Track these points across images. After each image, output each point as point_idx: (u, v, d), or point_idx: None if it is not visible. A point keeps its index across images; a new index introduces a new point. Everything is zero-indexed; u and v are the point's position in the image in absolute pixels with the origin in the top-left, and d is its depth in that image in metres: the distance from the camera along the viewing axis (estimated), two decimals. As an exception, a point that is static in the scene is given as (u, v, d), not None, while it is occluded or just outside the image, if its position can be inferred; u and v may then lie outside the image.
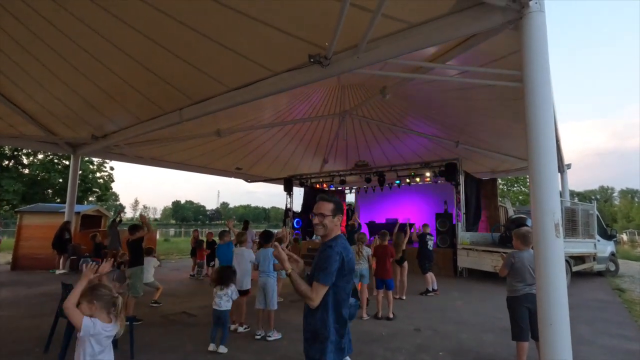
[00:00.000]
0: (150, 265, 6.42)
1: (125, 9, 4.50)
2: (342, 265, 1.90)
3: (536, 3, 3.23)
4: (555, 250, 2.87)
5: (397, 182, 13.05)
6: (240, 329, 5.04)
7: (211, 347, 4.23)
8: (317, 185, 14.85)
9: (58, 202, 19.71)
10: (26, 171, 22.22)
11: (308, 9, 4.08)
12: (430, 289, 7.52)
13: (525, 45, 3.26)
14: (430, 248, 7.88)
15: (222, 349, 4.19)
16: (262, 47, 4.90)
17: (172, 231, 44.18)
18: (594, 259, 9.76)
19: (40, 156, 22.10)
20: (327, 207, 2.00)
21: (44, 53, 5.78)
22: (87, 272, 2.19)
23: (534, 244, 3.05)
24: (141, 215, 6.86)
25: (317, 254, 2.00)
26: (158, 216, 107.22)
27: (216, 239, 8.24)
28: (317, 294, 1.85)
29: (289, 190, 14.69)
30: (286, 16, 4.25)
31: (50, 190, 22.77)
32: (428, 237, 7.94)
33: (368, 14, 3.71)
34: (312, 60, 4.45)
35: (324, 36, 4.24)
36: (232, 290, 4.36)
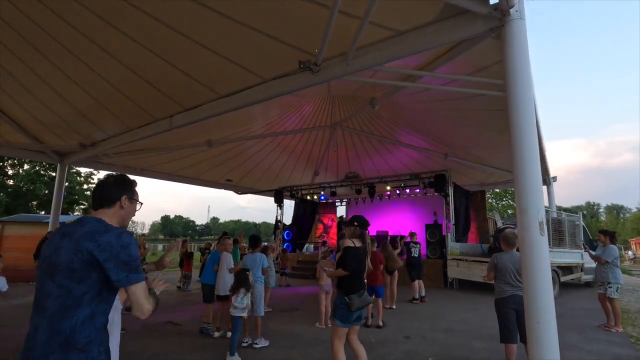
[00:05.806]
0: None
1: (118, 14, 4.53)
2: None
3: (517, 11, 3.37)
4: (540, 248, 2.90)
5: (387, 188, 13.08)
6: (217, 334, 5.02)
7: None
8: (308, 197, 14.83)
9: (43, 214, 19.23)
10: (10, 182, 21.72)
11: (298, 15, 4.17)
12: (417, 297, 7.57)
13: (507, 51, 3.38)
14: (416, 255, 7.91)
15: (229, 358, 4.09)
16: (252, 53, 4.97)
17: (160, 246, 43.52)
18: (582, 269, 9.85)
19: (26, 167, 21.67)
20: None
21: (33, 58, 5.74)
22: None
23: (519, 242, 3.08)
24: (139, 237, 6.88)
25: None
26: (146, 231, 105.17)
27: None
28: None
29: (279, 202, 14.60)
30: (276, 22, 4.33)
31: (34, 202, 22.25)
32: (412, 244, 7.99)
33: (356, 21, 3.82)
34: (302, 66, 4.51)
35: (314, 43, 4.33)
36: (240, 297, 4.24)
